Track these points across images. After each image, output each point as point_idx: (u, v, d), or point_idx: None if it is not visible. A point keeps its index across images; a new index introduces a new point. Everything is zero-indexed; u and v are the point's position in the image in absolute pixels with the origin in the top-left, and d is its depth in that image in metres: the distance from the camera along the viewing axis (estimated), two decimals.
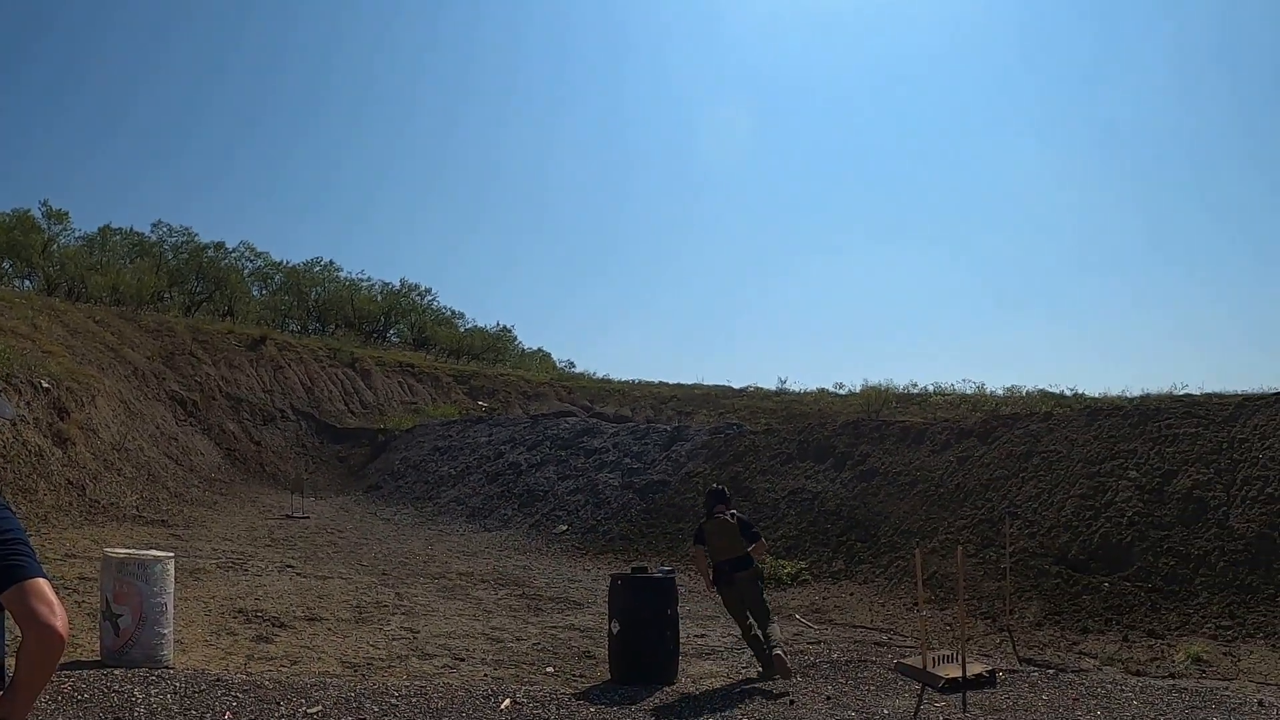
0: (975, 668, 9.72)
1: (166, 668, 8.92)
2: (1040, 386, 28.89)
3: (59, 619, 2.51)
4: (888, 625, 13.37)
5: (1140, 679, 9.99)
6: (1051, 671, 10.27)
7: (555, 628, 12.56)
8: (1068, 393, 26.15)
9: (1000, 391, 29.70)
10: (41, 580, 2.57)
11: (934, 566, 14.37)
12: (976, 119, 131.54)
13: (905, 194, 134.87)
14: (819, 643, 11.90)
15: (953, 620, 12.25)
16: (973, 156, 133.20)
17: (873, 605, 14.44)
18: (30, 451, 18.76)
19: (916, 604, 11.68)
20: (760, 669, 9.93)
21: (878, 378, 46.65)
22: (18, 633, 2.56)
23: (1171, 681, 9.83)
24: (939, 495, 16.57)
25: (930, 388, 31.95)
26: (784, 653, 9.79)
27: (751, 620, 10.11)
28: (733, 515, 10.51)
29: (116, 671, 8.54)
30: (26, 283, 46.60)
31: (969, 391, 30.09)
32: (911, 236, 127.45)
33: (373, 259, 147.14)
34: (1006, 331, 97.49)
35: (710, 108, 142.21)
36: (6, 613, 2.67)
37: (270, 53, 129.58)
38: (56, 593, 2.59)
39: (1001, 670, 10.09)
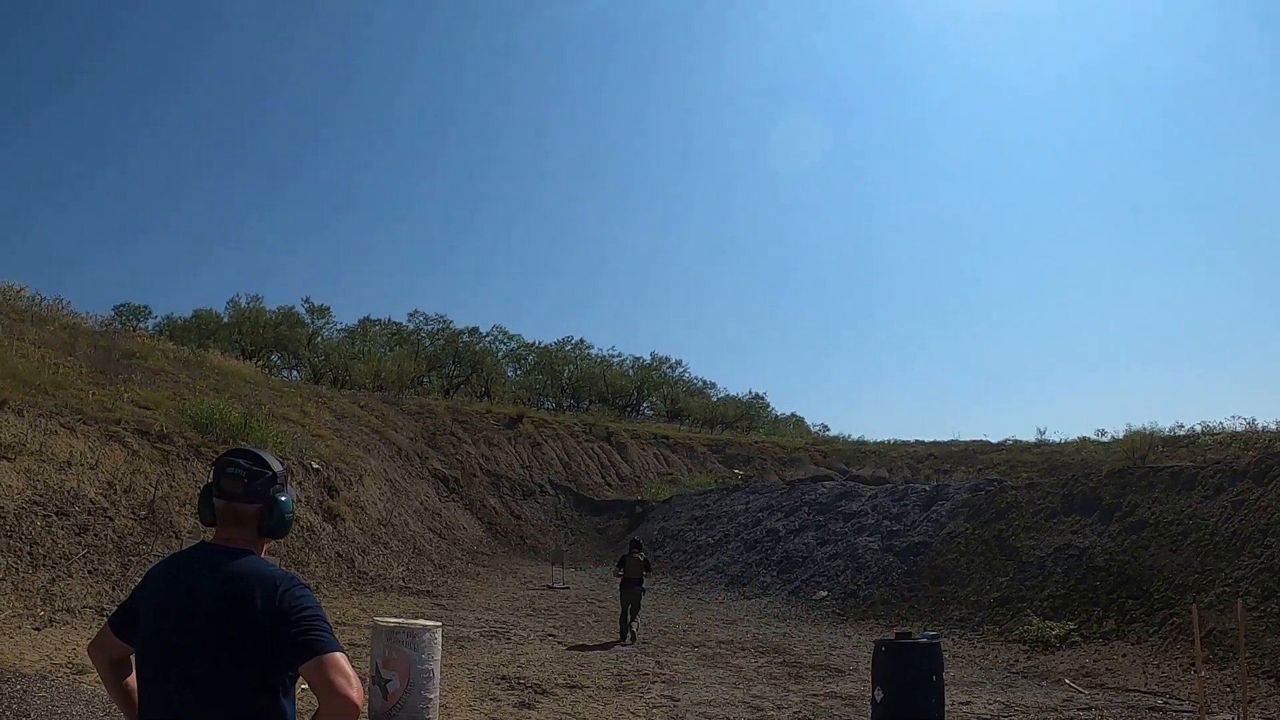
0: None
1: None
2: None
3: (355, 690, 2.66)
4: (1163, 688, 12.81)
5: None
6: None
7: (816, 695, 12.60)
8: None
9: (1274, 426, 27.96)
10: (339, 654, 2.72)
11: (1211, 623, 13.65)
12: (1229, 127, 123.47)
13: (1151, 214, 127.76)
14: (1090, 709, 11.56)
15: (1233, 681, 11.66)
16: (1227, 161, 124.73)
17: (1146, 667, 13.83)
18: (302, 527, 20.39)
19: (1194, 664, 11.21)
20: (622, 638, 17.08)
21: (1141, 421, 44.49)
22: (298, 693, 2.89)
23: None
24: (1214, 545, 15.74)
25: (1198, 428, 30.43)
26: (636, 632, 17.46)
27: (629, 610, 17.46)
28: (640, 556, 18.14)
29: None
30: (294, 373, 50.72)
31: (1239, 429, 28.45)
32: (1162, 259, 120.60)
33: (620, 335, 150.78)
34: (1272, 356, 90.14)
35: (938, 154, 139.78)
36: (300, 682, 2.84)
37: (473, 152, 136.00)
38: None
39: None
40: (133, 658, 3.04)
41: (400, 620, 10.66)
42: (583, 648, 15.94)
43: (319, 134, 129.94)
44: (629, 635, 17.27)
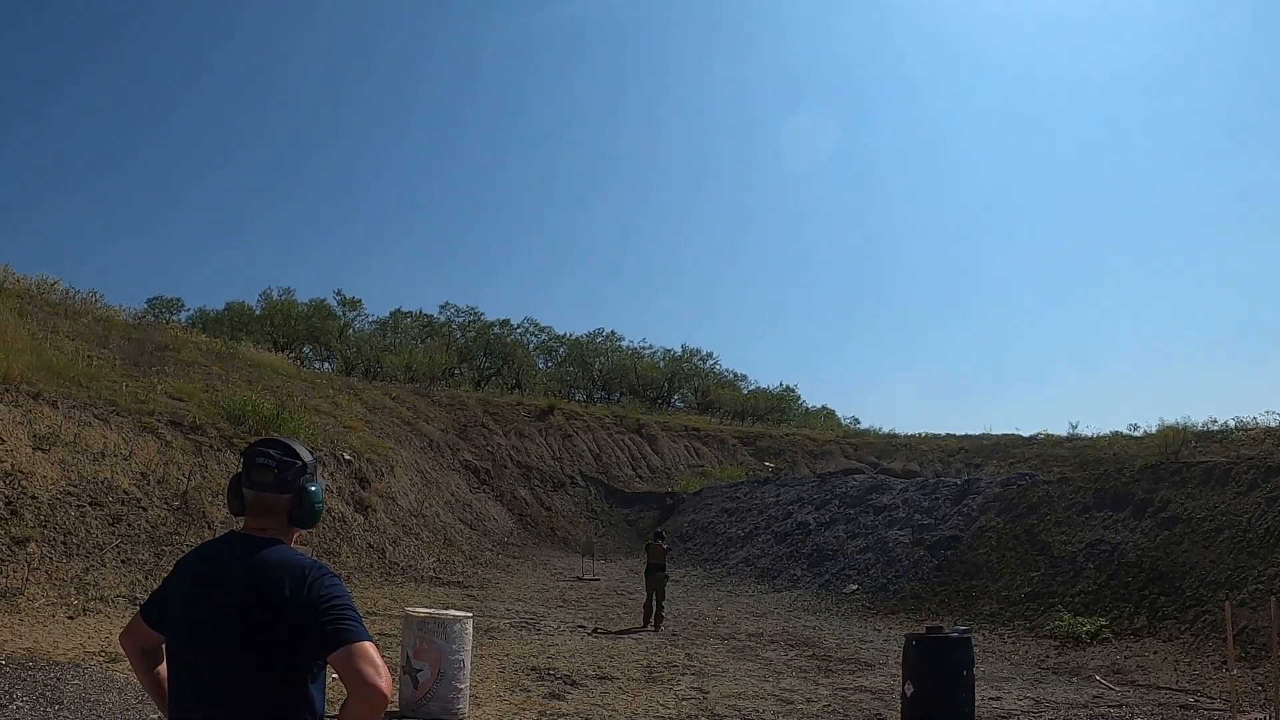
0: None
1: None
2: None
3: (384, 679, 2.65)
4: (1194, 686, 12.71)
5: None
6: None
7: (846, 689, 12.56)
8: None
9: None
10: (368, 643, 2.71)
11: (1244, 620, 13.51)
12: (1260, 119, 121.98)
13: (1185, 207, 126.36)
14: (1120, 705, 11.47)
15: (1265, 680, 11.55)
16: (1260, 153, 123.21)
17: (1178, 664, 13.73)
18: (334, 518, 20.52)
19: (1226, 662, 11.11)
20: (652, 624, 17.72)
21: (1174, 415, 44.05)
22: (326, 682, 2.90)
23: None
24: (1248, 541, 15.58)
25: (1231, 423, 30.09)
26: (663, 618, 17.98)
27: (654, 597, 17.93)
28: (664, 544, 19.19)
29: None
30: (326, 365, 50.86)
31: (1274, 424, 28.13)
32: (1195, 252, 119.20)
33: (645, 327, 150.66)
34: None
35: (970, 140, 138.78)
36: (328, 671, 2.85)
37: (494, 142, 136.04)
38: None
39: None
40: (164, 647, 3.04)
41: (431, 611, 10.75)
42: (613, 637, 15.98)
43: (337, 127, 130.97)
44: (653, 622, 17.78)
